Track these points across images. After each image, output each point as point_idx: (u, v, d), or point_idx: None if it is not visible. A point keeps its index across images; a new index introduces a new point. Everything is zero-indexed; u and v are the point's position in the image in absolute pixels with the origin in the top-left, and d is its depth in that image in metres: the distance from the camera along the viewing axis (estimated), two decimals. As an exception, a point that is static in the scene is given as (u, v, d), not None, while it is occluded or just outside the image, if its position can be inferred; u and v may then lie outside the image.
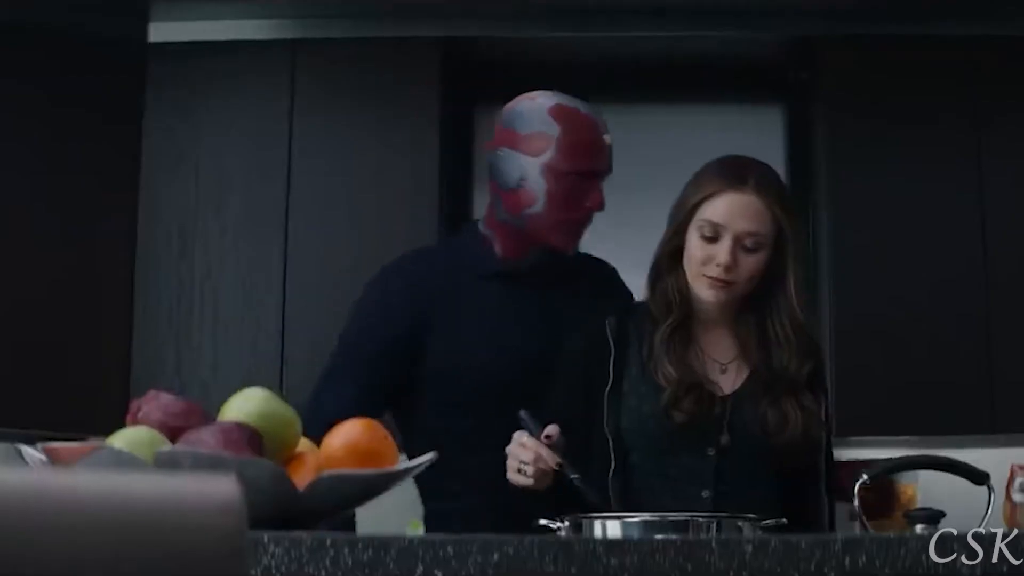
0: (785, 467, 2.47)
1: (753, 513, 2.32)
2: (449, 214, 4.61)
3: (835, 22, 4.58)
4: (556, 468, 2.35)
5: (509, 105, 2.84)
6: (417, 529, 3.39)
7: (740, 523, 2.15)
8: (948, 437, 4.43)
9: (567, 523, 2.20)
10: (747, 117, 4.81)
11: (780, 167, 4.69)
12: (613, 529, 2.12)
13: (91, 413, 4.32)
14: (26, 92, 4.38)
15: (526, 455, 2.35)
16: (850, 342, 4.40)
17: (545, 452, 2.35)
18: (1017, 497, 1.90)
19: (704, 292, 2.47)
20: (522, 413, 2.40)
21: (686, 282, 2.50)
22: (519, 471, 2.37)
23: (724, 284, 2.45)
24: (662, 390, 2.46)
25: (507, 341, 2.75)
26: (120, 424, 4.33)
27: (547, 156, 2.72)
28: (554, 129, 2.73)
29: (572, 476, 2.35)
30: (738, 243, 2.43)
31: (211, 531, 1.03)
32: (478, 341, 2.75)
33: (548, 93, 2.83)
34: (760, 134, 4.74)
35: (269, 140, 4.50)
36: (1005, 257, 4.42)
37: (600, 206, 2.74)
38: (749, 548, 1.56)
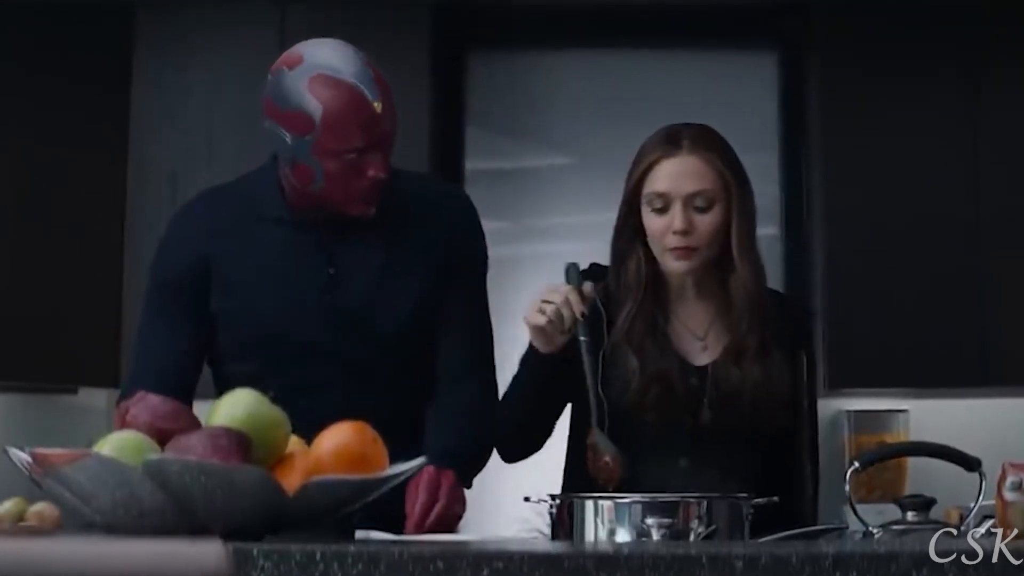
0: (762, 435, 2.47)
1: (733, 480, 2.35)
2: (440, 161, 4.58)
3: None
4: (581, 316, 2.37)
5: (273, 67, 2.55)
6: None
7: (731, 501, 2.16)
8: (939, 389, 4.44)
9: (556, 501, 2.21)
10: (740, 63, 4.77)
11: (773, 114, 4.67)
12: (604, 509, 2.14)
13: (82, 365, 4.34)
14: (13, 47, 4.33)
15: (556, 296, 2.37)
16: (842, 293, 4.39)
17: (575, 299, 2.38)
18: (1008, 496, 1.90)
19: (672, 264, 2.47)
20: (569, 264, 2.42)
21: (652, 259, 2.50)
22: (540, 310, 2.38)
23: (687, 250, 2.45)
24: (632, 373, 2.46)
25: (285, 287, 2.57)
26: (110, 376, 4.32)
27: (314, 135, 2.46)
28: (316, 107, 2.45)
29: (583, 338, 2.37)
30: (688, 206, 2.44)
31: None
32: (255, 285, 2.58)
33: (312, 55, 2.50)
34: (753, 81, 4.71)
35: (259, 92, 4.44)
36: (998, 207, 4.41)
37: (384, 171, 2.48)
38: (739, 564, 1.56)
